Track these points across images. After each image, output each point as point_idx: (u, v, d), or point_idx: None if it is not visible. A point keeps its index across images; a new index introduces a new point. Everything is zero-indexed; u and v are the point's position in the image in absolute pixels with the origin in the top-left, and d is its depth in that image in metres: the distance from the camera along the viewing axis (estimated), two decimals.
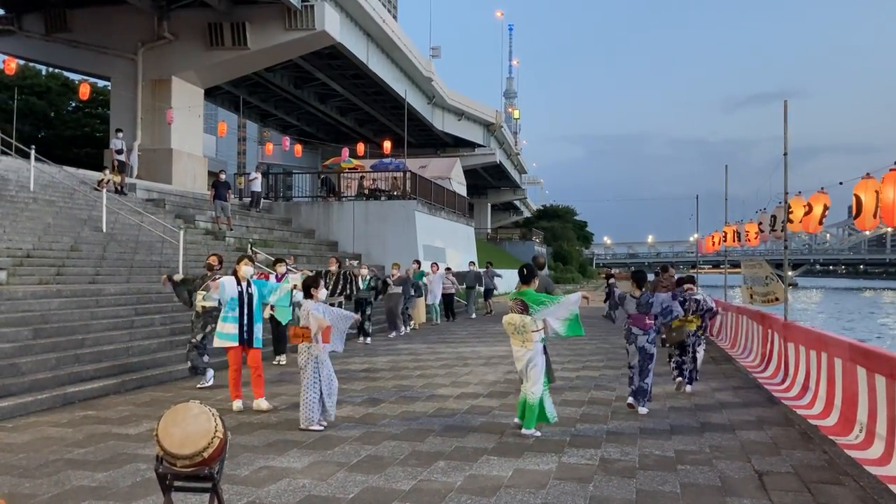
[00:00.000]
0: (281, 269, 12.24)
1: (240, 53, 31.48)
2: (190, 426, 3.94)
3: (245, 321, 8.49)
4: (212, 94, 42.12)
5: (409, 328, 18.82)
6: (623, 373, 11.81)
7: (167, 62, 31.62)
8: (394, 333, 17.59)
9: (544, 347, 7.57)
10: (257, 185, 26.34)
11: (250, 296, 8.55)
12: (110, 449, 6.68)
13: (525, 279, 7.56)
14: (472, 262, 25.63)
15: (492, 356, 13.63)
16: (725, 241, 18.04)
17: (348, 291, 14.78)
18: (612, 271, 37.67)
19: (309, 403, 7.49)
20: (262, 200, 26.56)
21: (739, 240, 16.47)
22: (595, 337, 18.04)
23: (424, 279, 20.50)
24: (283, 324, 11.44)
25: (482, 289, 25.11)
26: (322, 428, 7.51)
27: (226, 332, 8.46)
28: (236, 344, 8.47)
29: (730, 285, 20.45)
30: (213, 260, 10.40)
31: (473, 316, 24.05)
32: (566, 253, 79.80)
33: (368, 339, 16.15)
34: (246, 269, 8.62)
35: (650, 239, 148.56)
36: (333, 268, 14.56)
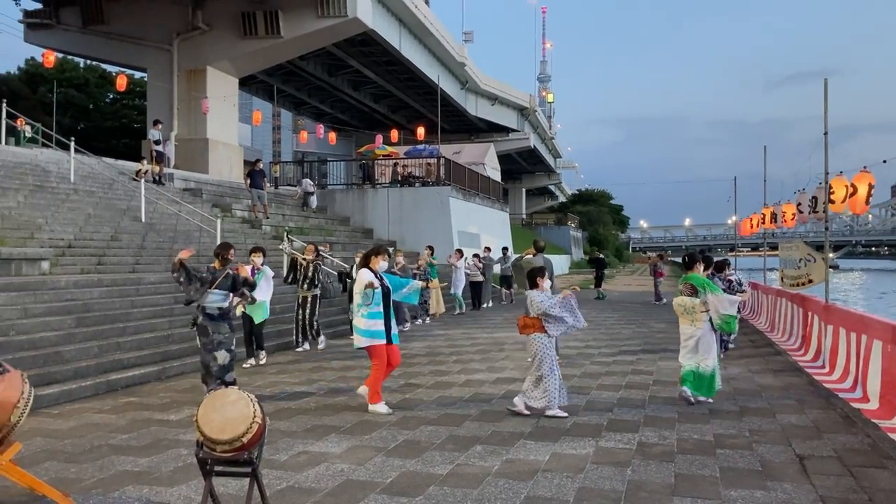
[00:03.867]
0: (257, 260, 11.02)
1: (273, 42, 31.68)
2: (229, 412, 3.98)
3: (388, 316, 7.87)
4: (246, 84, 42.45)
5: (423, 320, 17.48)
6: (661, 356, 11.74)
7: (202, 52, 31.95)
8: (402, 327, 15.37)
9: (712, 325, 8.05)
10: (311, 192, 26.41)
11: (388, 289, 7.93)
12: (152, 434, 6.80)
13: (688, 265, 8.38)
14: (505, 248, 24.87)
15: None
16: (764, 223, 17.74)
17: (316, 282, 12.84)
18: (650, 254, 37.32)
19: (553, 389, 7.36)
20: (313, 200, 26.43)
21: (776, 221, 16.19)
22: (632, 321, 17.92)
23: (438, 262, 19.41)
24: (259, 322, 11.07)
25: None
26: (566, 415, 7.39)
27: (373, 329, 7.74)
28: (384, 341, 7.81)
29: (769, 268, 20.14)
30: (257, 257, 10.67)
31: (486, 305, 22.25)
32: (602, 237, 79.22)
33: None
34: (382, 264, 8.05)
35: (687, 222, 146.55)
36: (310, 256, 12.88)
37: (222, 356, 8.14)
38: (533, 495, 5.10)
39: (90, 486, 5.28)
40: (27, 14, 34.73)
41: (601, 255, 31.71)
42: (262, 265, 11.04)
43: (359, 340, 7.82)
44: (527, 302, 7.68)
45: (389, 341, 7.83)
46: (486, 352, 12.39)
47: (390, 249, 14.65)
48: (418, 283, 8.49)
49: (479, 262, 22.01)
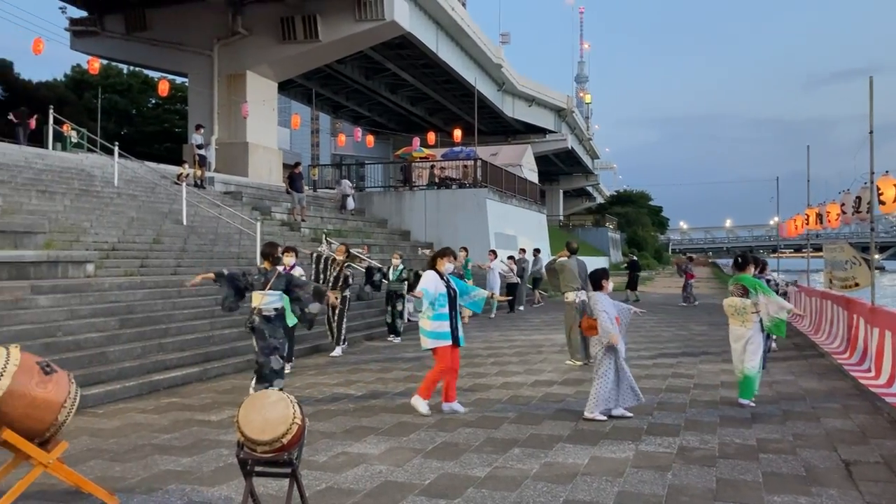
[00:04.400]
0: (289, 260, 10.67)
1: (311, 46, 31.99)
2: (269, 413, 4.02)
3: (454, 318, 7.82)
4: (285, 88, 42.91)
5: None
6: (702, 359, 11.58)
7: (242, 57, 32.39)
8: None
9: (761, 325, 8.06)
10: (349, 194, 26.62)
11: (454, 292, 7.90)
12: (194, 435, 6.89)
13: (740, 266, 8.35)
14: (537, 250, 24.55)
15: (566, 344, 13.49)
16: (808, 224, 17.40)
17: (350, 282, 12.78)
18: (690, 256, 36.84)
19: (602, 393, 7.33)
20: (351, 201, 26.64)
21: (821, 222, 15.87)
22: (672, 323, 17.71)
23: (471, 266, 19.28)
24: (292, 325, 9.94)
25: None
26: (632, 415, 7.44)
27: (439, 331, 7.70)
28: (450, 343, 7.76)
29: (813, 269, 19.74)
30: (341, 251, 10.71)
31: (521, 308, 21.92)
32: (641, 239, 78.47)
33: (398, 339, 14.33)
34: (448, 266, 8.01)
35: (728, 223, 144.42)
36: (340, 257, 12.69)
37: (276, 362, 8.04)
38: (572, 499, 5.07)
39: (134, 485, 5.38)
40: (73, 22, 35.57)
41: (635, 257, 31.37)
42: (293, 265, 10.91)
43: (424, 342, 7.83)
44: (590, 303, 7.61)
45: (456, 344, 7.81)
46: (524, 354, 12.34)
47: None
48: (484, 292, 8.44)
49: (514, 263, 21.80)
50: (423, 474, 5.63)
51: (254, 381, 8.15)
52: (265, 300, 8.00)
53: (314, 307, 8.06)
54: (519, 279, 21.69)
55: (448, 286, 7.85)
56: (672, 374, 10.28)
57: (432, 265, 8.01)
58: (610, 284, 7.86)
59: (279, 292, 8.07)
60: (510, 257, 22.13)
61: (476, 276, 19.22)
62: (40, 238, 12.29)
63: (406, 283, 14.40)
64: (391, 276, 14.38)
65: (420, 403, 7.73)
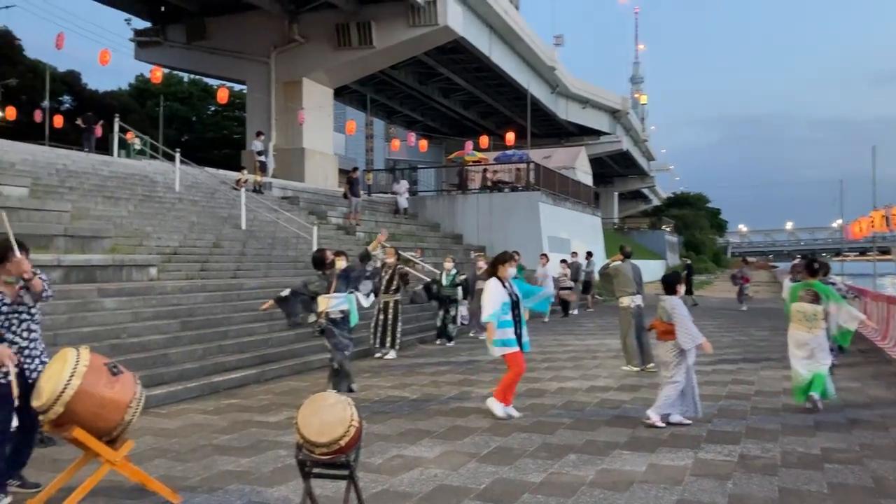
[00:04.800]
0: (341, 263, 9.90)
1: (366, 52, 32.30)
2: (327, 415, 4.08)
3: (518, 324, 7.79)
4: (340, 94, 43.40)
5: None
6: (763, 366, 11.32)
7: (298, 64, 32.88)
8: (474, 332, 15.23)
9: (827, 333, 8.01)
10: (401, 193, 26.85)
11: (517, 296, 7.85)
12: (252, 436, 7.02)
13: (813, 272, 8.40)
14: (589, 253, 24.16)
15: (622, 349, 13.34)
16: (874, 226, 16.87)
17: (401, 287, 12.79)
18: (749, 259, 36.06)
19: (670, 398, 7.25)
20: (403, 200, 26.90)
21: (888, 225, 15.38)
22: (731, 329, 17.36)
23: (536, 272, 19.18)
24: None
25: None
26: (690, 422, 7.29)
27: (505, 338, 7.68)
28: (517, 349, 7.74)
29: (880, 273, 19.12)
30: (391, 254, 10.66)
31: (575, 312, 21.69)
32: (699, 242, 77.01)
33: (451, 342, 14.28)
34: (511, 270, 7.95)
35: (789, 226, 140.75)
36: (391, 259, 12.73)
37: (348, 361, 8.15)
38: None
39: (196, 484, 5.50)
40: (137, 33, 36.62)
41: (689, 261, 30.77)
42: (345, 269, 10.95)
43: (493, 351, 7.79)
44: (664, 306, 7.41)
45: (522, 348, 7.78)
46: (579, 359, 12.24)
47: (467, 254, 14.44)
48: (549, 291, 8.42)
49: (567, 267, 21.54)
50: (478, 479, 5.63)
51: (330, 383, 8.26)
52: (331, 303, 8.11)
53: (365, 286, 8.42)
54: (572, 283, 21.49)
55: (510, 292, 7.76)
56: (732, 380, 10.07)
57: (493, 272, 7.89)
58: (682, 288, 7.72)
59: (343, 295, 8.18)
60: (563, 261, 21.93)
61: (528, 280, 19.11)
62: (106, 242, 12.68)
63: (459, 287, 14.42)
64: (444, 281, 14.38)
65: (495, 406, 7.65)
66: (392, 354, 12.37)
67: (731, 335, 15.86)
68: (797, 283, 8.75)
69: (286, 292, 8.30)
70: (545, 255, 21.22)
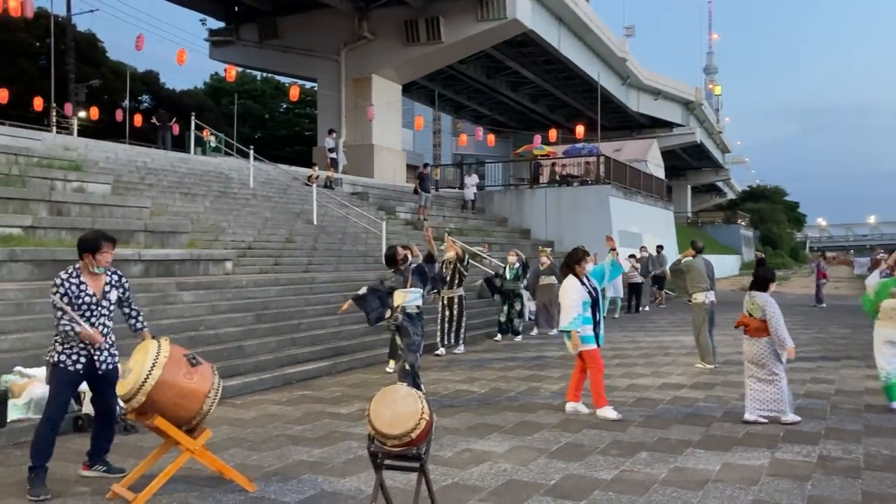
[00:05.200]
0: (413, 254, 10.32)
1: (435, 48, 32.41)
2: (398, 407, 4.12)
3: (596, 320, 7.66)
4: (409, 90, 43.68)
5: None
6: (843, 364, 10.93)
7: (367, 61, 33.25)
8: (537, 331, 15.02)
9: None
10: (470, 194, 26.88)
11: (596, 291, 7.72)
12: (325, 427, 7.15)
13: None
14: (660, 247, 23.40)
15: (696, 346, 13.06)
16: None
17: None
18: (829, 254, 34.80)
19: (782, 396, 7.12)
20: (471, 193, 26.94)
21: None
22: (810, 325, 16.80)
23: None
24: None
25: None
26: (766, 421, 7.09)
27: (583, 335, 7.54)
28: (595, 346, 7.64)
29: None
30: (451, 248, 10.43)
31: (646, 309, 21.13)
32: (775, 236, 74.71)
33: (519, 337, 14.20)
34: (589, 266, 7.86)
35: (871, 219, 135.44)
36: (451, 254, 12.52)
37: (419, 358, 8.14)
38: None
39: (270, 473, 5.64)
40: (212, 33, 37.66)
41: (762, 255, 29.78)
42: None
43: (570, 346, 7.71)
44: (757, 302, 7.21)
45: (599, 344, 7.69)
46: (651, 356, 12.04)
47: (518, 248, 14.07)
48: (612, 257, 8.23)
49: (636, 262, 20.89)
50: (547, 474, 5.61)
51: (399, 378, 8.11)
52: (408, 298, 8.09)
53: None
54: (642, 278, 21.02)
55: (590, 289, 7.61)
56: (811, 378, 9.76)
57: (570, 271, 7.71)
58: (774, 286, 7.50)
59: (419, 290, 8.17)
60: (631, 256, 21.39)
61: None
62: (184, 237, 13.08)
63: (521, 282, 14.21)
64: (508, 275, 14.20)
65: (606, 412, 7.45)
66: (461, 349, 12.39)
67: (809, 332, 15.35)
68: (889, 279, 8.36)
69: (363, 290, 8.27)
70: (614, 249, 20.49)
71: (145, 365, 4.82)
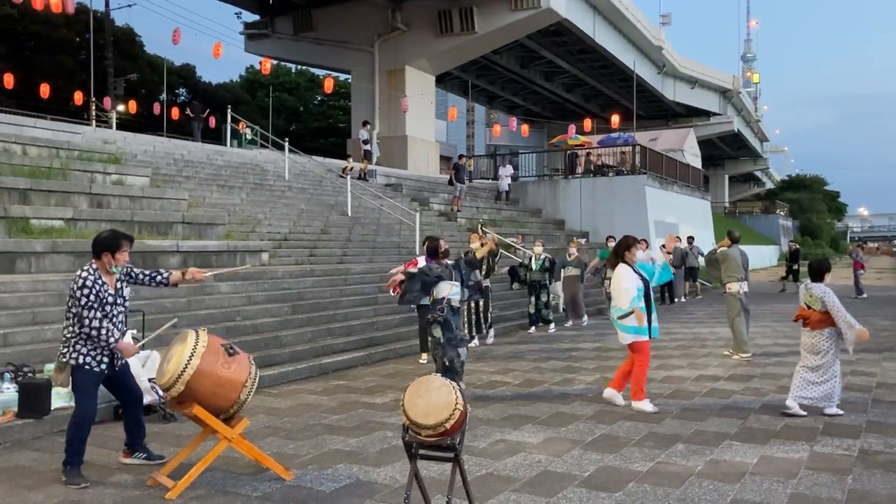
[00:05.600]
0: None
1: (468, 38, 32.32)
2: (433, 398, 4.14)
3: (650, 310, 7.53)
4: (442, 81, 43.63)
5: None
6: (885, 356, 10.72)
7: (401, 52, 33.27)
8: (572, 322, 14.98)
9: None
10: (505, 185, 26.77)
11: (647, 281, 7.59)
12: (360, 416, 7.20)
13: None
14: (691, 238, 22.87)
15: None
16: None
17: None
18: (870, 244, 34.05)
19: (833, 390, 7.09)
20: (505, 184, 26.81)
21: None
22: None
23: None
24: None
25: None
26: (805, 413, 7.04)
27: (636, 325, 7.42)
28: (647, 338, 7.54)
29: None
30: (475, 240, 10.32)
31: (678, 301, 20.66)
32: (815, 226, 73.35)
33: (552, 327, 14.19)
34: (639, 254, 7.69)
35: None
36: (475, 245, 11.63)
37: (463, 352, 8.06)
38: (740, 499, 4.86)
39: (306, 462, 5.70)
40: (247, 26, 38.01)
41: (797, 246, 29.20)
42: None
43: (624, 337, 7.53)
44: (815, 294, 7.11)
45: (650, 335, 7.57)
46: (687, 348, 11.92)
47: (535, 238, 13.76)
48: (665, 260, 8.12)
49: (668, 253, 20.40)
50: (582, 466, 5.59)
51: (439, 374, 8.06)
52: (454, 290, 8.00)
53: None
54: (675, 269, 20.53)
55: (641, 276, 7.52)
56: (851, 371, 9.57)
57: (620, 259, 7.58)
58: (829, 278, 7.35)
59: (459, 283, 8.07)
60: (662, 246, 20.85)
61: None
62: (221, 229, 13.25)
63: (548, 272, 14.06)
64: (534, 266, 14.02)
65: (643, 405, 7.36)
66: (490, 339, 12.38)
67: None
68: None
69: (415, 269, 8.20)
70: (644, 240, 19.91)
71: (184, 355, 4.90)
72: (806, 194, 79.25)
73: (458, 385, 7.85)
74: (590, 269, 15.94)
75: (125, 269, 5.43)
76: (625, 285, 7.43)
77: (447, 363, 7.88)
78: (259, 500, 4.86)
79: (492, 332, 12.54)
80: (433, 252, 8.38)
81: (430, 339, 8.22)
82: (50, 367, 7.09)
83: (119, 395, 5.69)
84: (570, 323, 14.96)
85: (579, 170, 28.18)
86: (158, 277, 5.59)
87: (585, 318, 15.18)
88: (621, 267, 7.55)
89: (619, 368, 7.90)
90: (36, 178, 11.64)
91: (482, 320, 12.20)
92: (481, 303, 12.00)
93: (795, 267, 25.71)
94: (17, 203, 10.79)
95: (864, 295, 22.37)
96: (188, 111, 26.43)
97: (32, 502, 4.82)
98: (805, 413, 7.04)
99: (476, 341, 12.08)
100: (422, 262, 9.67)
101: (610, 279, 16.22)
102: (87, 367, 5.20)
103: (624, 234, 8.13)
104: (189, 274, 5.60)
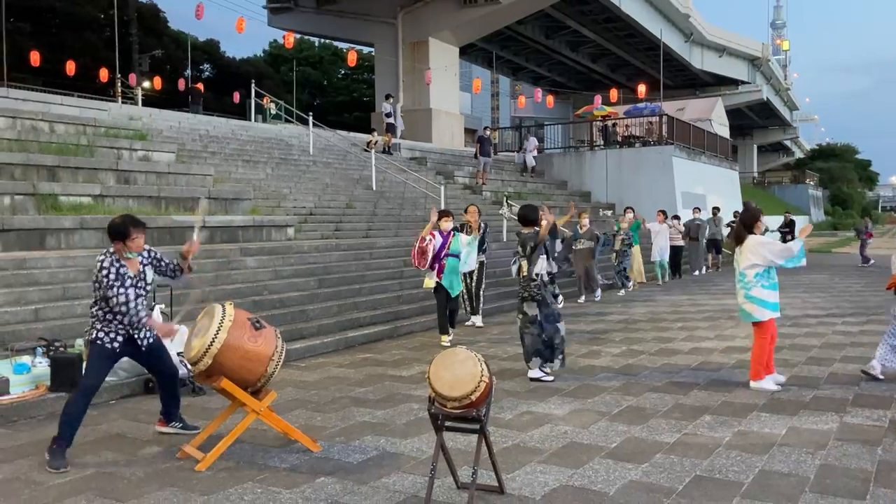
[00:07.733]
0: (446, 224, 9.77)
1: (492, 8, 32.01)
2: (458, 370, 4.14)
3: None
4: (466, 52, 43.30)
5: (626, 289, 15.73)
6: None
7: (424, 24, 33.02)
8: (584, 298, 14.44)
9: None
10: (531, 160, 26.58)
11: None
12: (386, 389, 7.24)
13: None
14: (716, 209, 22.35)
15: None
16: None
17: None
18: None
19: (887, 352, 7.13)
20: (531, 158, 26.64)
21: None
22: (881, 288, 16.23)
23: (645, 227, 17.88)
24: (455, 295, 9.88)
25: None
26: (882, 377, 7.09)
27: (773, 301, 7.04)
28: (777, 314, 7.13)
29: None
30: (447, 223, 9.62)
31: (698, 273, 20.31)
32: (846, 196, 72.27)
33: (587, 297, 14.24)
34: (762, 227, 7.27)
35: None
36: (471, 218, 10.97)
37: (562, 327, 7.61)
38: (768, 469, 4.82)
39: (334, 434, 5.75)
40: (270, 0, 37.89)
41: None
42: (452, 232, 9.82)
43: (761, 313, 7.01)
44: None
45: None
46: (714, 319, 11.82)
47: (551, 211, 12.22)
48: (798, 243, 7.65)
49: (679, 224, 19.70)
50: (608, 437, 5.58)
51: (536, 361, 7.54)
52: (549, 264, 7.60)
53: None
54: (683, 242, 19.71)
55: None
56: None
57: (749, 230, 7.13)
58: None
59: (544, 254, 7.61)
60: (675, 217, 20.03)
61: (644, 237, 18.04)
62: (246, 204, 13.31)
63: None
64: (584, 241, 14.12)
65: (763, 384, 6.97)
66: (478, 321, 11.35)
67: (882, 294, 14.78)
68: None
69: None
70: (663, 211, 19.43)
71: (211, 328, 4.94)
72: (836, 163, 77.94)
73: (558, 359, 7.59)
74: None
75: (154, 255, 5.47)
76: (777, 244, 7.13)
77: (546, 340, 7.47)
78: (287, 472, 4.91)
79: (479, 318, 11.44)
80: (528, 220, 7.68)
81: (519, 317, 7.71)
82: (80, 342, 7.20)
83: (154, 372, 5.78)
84: (582, 298, 14.42)
85: (605, 140, 27.80)
86: (175, 268, 5.63)
87: (599, 292, 14.74)
88: (756, 237, 7.10)
89: (751, 359, 7.31)
90: (64, 155, 11.74)
91: (476, 299, 11.38)
92: (473, 280, 11.23)
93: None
94: (45, 180, 10.90)
95: (872, 262, 22.32)
96: (190, 97, 26.82)
97: (65, 473, 4.91)
98: (882, 377, 7.10)
99: (475, 320, 11.39)
100: (438, 235, 9.61)
101: (617, 252, 16.17)
102: (98, 342, 5.23)
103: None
104: (187, 255, 5.59)
